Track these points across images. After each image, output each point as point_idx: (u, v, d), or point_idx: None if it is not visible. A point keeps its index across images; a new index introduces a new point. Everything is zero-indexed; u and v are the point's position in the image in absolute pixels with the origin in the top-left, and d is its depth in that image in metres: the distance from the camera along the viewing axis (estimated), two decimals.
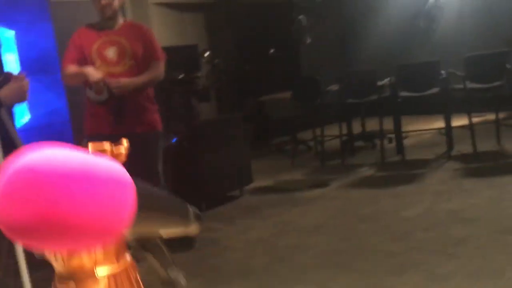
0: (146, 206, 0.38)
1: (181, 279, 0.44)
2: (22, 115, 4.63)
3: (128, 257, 0.69)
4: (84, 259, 0.63)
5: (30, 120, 4.72)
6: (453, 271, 2.54)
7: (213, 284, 2.81)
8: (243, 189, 4.66)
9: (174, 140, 4.68)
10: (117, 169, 0.32)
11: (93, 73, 2.96)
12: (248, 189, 4.71)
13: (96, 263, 0.64)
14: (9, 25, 4.50)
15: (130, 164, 2.45)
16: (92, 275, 0.63)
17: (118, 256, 0.67)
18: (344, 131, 5.76)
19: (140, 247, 0.41)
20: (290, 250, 3.18)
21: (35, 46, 4.66)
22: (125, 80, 3.03)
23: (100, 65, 3.06)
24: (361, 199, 4.07)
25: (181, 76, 6.21)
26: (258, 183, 4.90)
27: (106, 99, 3.00)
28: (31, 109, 4.71)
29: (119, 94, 3.00)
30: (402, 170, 4.87)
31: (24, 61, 4.69)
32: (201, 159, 4.37)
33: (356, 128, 6.09)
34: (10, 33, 4.53)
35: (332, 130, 5.66)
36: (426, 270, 2.59)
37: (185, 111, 6.08)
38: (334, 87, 5.62)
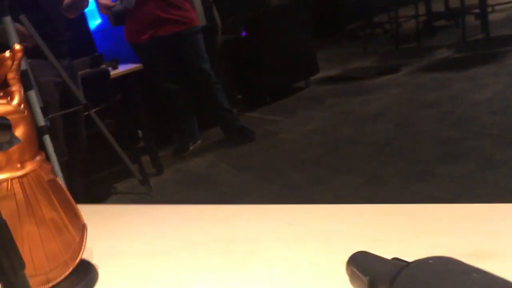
0: None
1: None
2: (95, 18, 4.78)
3: (39, 159, 0.71)
4: None
5: (102, 23, 4.86)
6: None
7: (264, 176, 2.88)
8: (308, 80, 4.56)
9: (244, 34, 4.60)
10: None
11: None
12: (314, 79, 4.60)
13: None
14: None
15: (175, 64, 2.46)
16: None
17: (23, 160, 0.69)
18: (423, 10, 5.27)
19: None
20: (346, 140, 3.13)
21: None
22: None
23: None
24: (430, 84, 3.80)
25: None
26: (325, 72, 4.76)
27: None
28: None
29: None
30: (483, 49, 4.42)
31: None
32: (264, 50, 4.27)
33: (438, 6, 5.55)
34: None
35: (411, 10, 5.21)
36: (482, 157, 2.43)
37: (252, 1, 5.88)
38: None
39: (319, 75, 4.62)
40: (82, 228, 0.76)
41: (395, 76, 4.26)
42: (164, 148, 3.57)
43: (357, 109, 3.67)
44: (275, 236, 0.70)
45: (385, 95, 3.83)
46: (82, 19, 4.43)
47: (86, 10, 4.53)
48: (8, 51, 0.66)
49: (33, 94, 1.61)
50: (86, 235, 0.76)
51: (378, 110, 3.53)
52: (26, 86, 1.62)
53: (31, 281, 0.70)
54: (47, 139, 1.68)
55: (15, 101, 0.68)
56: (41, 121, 1.65)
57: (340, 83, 4.52)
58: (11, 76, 0.69)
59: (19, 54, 0.67)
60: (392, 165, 2.62)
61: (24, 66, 1.65)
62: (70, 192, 0.76)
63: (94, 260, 0.78)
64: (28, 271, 0.69)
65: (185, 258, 0.72)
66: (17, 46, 0.67)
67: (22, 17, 1.64)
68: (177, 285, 0.66)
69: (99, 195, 3.02)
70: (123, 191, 3.06)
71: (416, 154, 2.69)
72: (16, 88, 0.69)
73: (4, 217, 0.45)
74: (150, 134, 3.34)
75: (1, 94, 0.68)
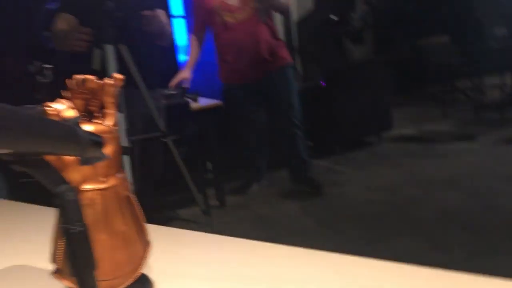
0: (16, 128, 0.43)
1: (70, 195, 0.50)
2: (186, 53, 5.07)
3: (120, 176, 0.79)
4: (72, 175, 0.74)
5: None
6: None
7: (325, 225, 2.87)
8: (380, 135, 4.53)
9: (323, 83, 4.68)
10: None
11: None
12: (387, 136, 4.56)
13: (83, 180, 0.75)
14: None
15: (266, 102, 2.51)
16: (79, 190, 0.74)
17: (107, 175, 0.77)
18: (509, 80, 5.12)
19: (19, 163, 0.47)
20: (412, 202, 3.06)
21: None
22: None
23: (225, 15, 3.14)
24: (509, 157, 3.66)
25: (333, 16, 6.10)
26: (399, 131, 4.71)
27: None
28: None
29: None
30: None
31: (187, 3, 5.06)
32: (339, 100, 4.32)
33: None
34: None
35: (496, 79, 5.08)
36: None
37: (335, 53, 6.00)
38: (500, 30, 4.97)
39: (393, 132, 4.58)
40: (146, 245, 0.83)
41: (473, 144, 4.13)
42: (230, 183, 3.66)
43: (428, 172, 3.59)
44: (320, 283, 0.73)
45: (460, 162, 3.72)
46: (172, 52, 4.71)
47: (178, 44, 4.83)
48: (111, 79, 0.76)
49: (120, 116, 1.76)
50: (149, 251, 0.82)
51: (450, 176, 3.43)
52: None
53: None
54: (126, 159, 1.81)
55: (109, 122, 0.77)
56: (124, 142, 1.79)
57: (414, 143, 4.45)
58: (109, 100, 0.78)
59: (120, 82, 0.77)
60: (457, 234, 2.53)
61: None
62: None
63: (151, 276, 0.84)
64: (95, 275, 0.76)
65: None
66: (119, 76, 0.77)
67: (121, 47, 1.81)
68: None
69: (162, 218, 3.14)
70: (185, 218, 3.16)
71: (486, 227, 2.59)
72: (111, 111, 0.78)
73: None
74: (219, 167, 3.45)
75: (100, 115, 0.78)
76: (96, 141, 0.56)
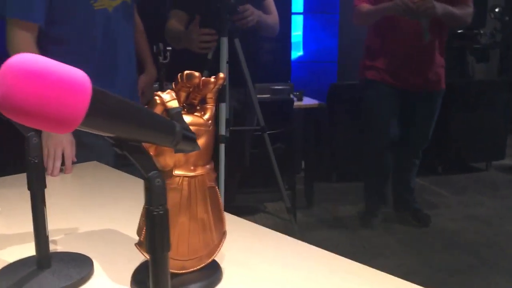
0: (123, 116, 0.50)
1: (158, 181, 0.55)
2: (298, 50, 5.14)
3: (208, 167, 0.85)
4: (167, 160, 0.82)
5: (303, 55, 5.18)
6: None
7: (410, 248, 2.78)
8: (490, 163, 4.24)
9: None
10: (76, 73, 0.41)
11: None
12: (497, 164, 4.27)
13: (176, 165, 0.82)
14: None
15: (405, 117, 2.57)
16: (171, 174, 0.81)
17: (197, 165, 0.83)
18: None
19: (120, 147, 0.53)
20: (510, 238, 2.85)
21: None
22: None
23: None
24: None
25: (460, 31, 5.79)
26: (511, 160, 4.38)
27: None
28: (306, 45, 5.16)
29: None
30: None
31: (307, 0, 5.13)
32: (449, 120, 4.11)
33: None
34: None
35: None
36: None
37: (456, 68, 5.69)
38: None
39: (505, 161, 4.27)
40: (222, 234, 0.88)
41: None
42: (319, 184, 3.66)
43: None
44: None
45: None
46: (287, 49, 4.78)
47: (293, 41, 4.88)
48: (213, 77, 0.82)
49: (223, 106, 1.85)
50: (224, 241, 0.88)
51: None
52: (221, 99, 1.87)
53: (171, 263, 0.83)
54: (222, 147, 1.90)
55: (206, 116, 0.83)
56: (223, 131, 1.88)
57: None
58: (209, 96, 0.84)
59: (221, 81, 0.82)
60: None
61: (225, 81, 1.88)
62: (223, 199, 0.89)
63: (222, 264, 0.89)
64: (172, 254, 0.83)
65: None
66: (221, 75, 0.82)
67: (236, 41, 1.89)
68: None
69: (250, 208, 3.24)
70: (270, 212, 3.23)
71: None
72: (210, 106, 0.84)
73: (168, 206, 0.58)
74: (312, 168, 3.47)
75: (198, 108, 0.84)
76: (188, 136, 0.61)
